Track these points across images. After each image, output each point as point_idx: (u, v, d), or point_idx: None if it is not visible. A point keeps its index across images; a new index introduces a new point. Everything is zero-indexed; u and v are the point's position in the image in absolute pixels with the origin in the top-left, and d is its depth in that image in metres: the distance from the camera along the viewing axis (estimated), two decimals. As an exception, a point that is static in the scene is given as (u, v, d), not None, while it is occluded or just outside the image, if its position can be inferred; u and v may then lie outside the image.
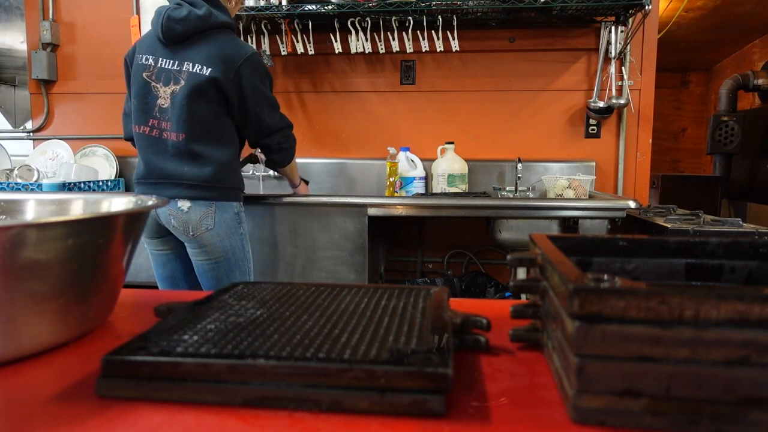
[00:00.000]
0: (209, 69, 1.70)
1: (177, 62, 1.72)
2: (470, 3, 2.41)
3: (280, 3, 2.49)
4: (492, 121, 2.81)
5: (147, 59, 1.76)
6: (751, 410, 0.36)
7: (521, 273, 1.90)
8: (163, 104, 1.73)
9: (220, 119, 1.76)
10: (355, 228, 2.10)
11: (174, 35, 1.71)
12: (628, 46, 2.62)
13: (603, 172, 2.76)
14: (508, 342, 0.54)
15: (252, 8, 2.49)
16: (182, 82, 1.71)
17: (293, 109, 2.89)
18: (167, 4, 1.78)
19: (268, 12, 2.50)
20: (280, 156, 1.93)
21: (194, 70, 1.71)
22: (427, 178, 2.71)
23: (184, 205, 1.71)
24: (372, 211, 2.09)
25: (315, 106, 2.87)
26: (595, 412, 0.37)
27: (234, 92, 1.74)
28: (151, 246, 1.87)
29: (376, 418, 0.39)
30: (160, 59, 1.74)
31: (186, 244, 1.79)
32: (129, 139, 1.92)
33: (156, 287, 2.15)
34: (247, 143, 1.93)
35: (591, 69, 2.72)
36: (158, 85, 1.74)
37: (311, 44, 2.67)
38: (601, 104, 2.65)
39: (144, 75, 1.75)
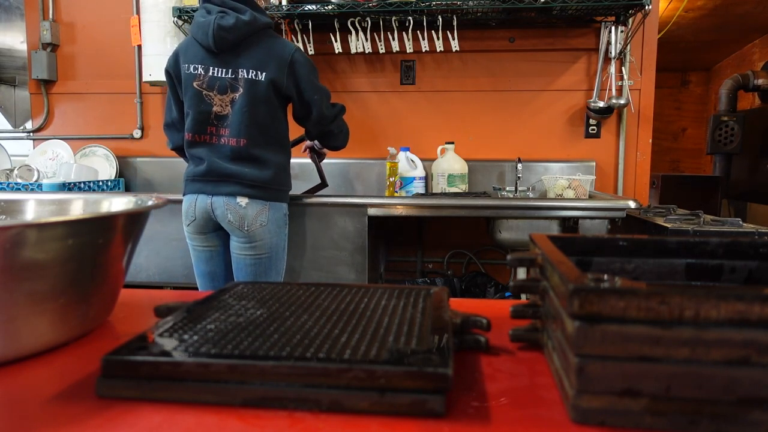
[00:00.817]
0: (264, 73, 1.75)
1: (230, 70, 1.77)
2: (470, 3, 2.40)
3: (280, 3, 2.49)
4: (492, 121, 2.81)
5: (196, 68, 1.79)
6: (751, 410, 0.36)
7: (521, 273, 1.90)
8: (220, 112, 1.78)
9: (277, 122, 1.83)
10: (355, 228, 2.10)
11: (226, 44, 1.74)
12: (628, 46, 2.62)
13: (603, 172, 2.76)
14: (508, 342, 0.54)
15: (252, 8, 2.49)
16: (240, 90, 1.76)
17: (293, 109, 2.89)
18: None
19: (268, 12, 2.50)
20: (339, 139, 2.01)
21: (250, 77, 1.75)
22: (427, 178, 2.71)
23: (243, 201, 1.78)
24: (372, 211, 2.09)
25: (315, 106, 2.86)
26: (595, 412, 0.37)
27: (292, 89, 1.80)
28: (196, 242, 1.90)
29: (376, 418, 0.39)
30: (211, 68, 1.78)
31: (235, 239, 1.84)
32: (175, 148, 1.98)
33: (158, 287, 2.16)
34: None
35: (591, 69, 2.72)
36: (211, 94, 1.78)
37: (311, 44, 2.67)
38: (601, 104, 2.65)
39: (195, 84, 1.79)
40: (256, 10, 1.79)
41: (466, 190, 2.62)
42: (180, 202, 1.89)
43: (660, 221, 1.82)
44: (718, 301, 0.35)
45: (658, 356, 0.36)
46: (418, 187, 2.62)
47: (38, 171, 2.60)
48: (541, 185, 2.58)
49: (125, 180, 2.96)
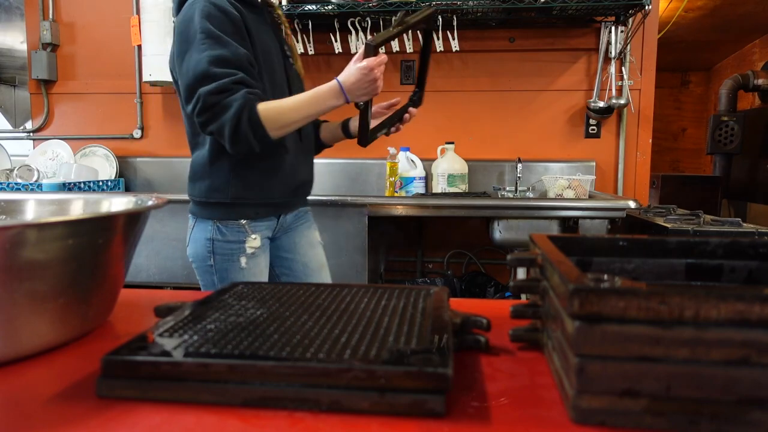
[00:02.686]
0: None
1: None
2: (470, 3, 2.40)
3: (280, 3, 2.49)
4: (492, 121, 2.81)
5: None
6: (751, 410, 0.36)
7: (521, 273, 1.90)
8: None
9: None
10: (355, 228, 2.10)
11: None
12: (628, 46, 2.62)
13: (603, 172, 2.76)
14: (508, 342, 0.54)
15: (252, 8, 2.49)
16: None
17: (293, 109, 2.89)
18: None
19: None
20: (234, 146, 1.20)
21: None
22: (427, 178, 2.70)
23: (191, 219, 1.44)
24: (372, 211, 2.09)
25: (315, 106, 2.86)
26: (595, 412, 0.37)
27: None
28: None
29: (376, 418, 0.39)
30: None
31: None
32: None
33: (158, 287, 2.15)
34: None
35: (591, 69, 2.72)
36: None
37: (311, 44, 2.67)
38: (601, 104, 2.65)
39: None
40: None
41: (466, 190, 2.62)
42: (179, 201, 1.86)
43: (660, 221, 1.82)
44: (718, 301, 0.35)
45: (658, 356, 0.36)
46: (418, 187, 2.62)
47: (38, 171, 2.60)
48: (541, 185, 2.57)
49: (125, 180, 2.96)
